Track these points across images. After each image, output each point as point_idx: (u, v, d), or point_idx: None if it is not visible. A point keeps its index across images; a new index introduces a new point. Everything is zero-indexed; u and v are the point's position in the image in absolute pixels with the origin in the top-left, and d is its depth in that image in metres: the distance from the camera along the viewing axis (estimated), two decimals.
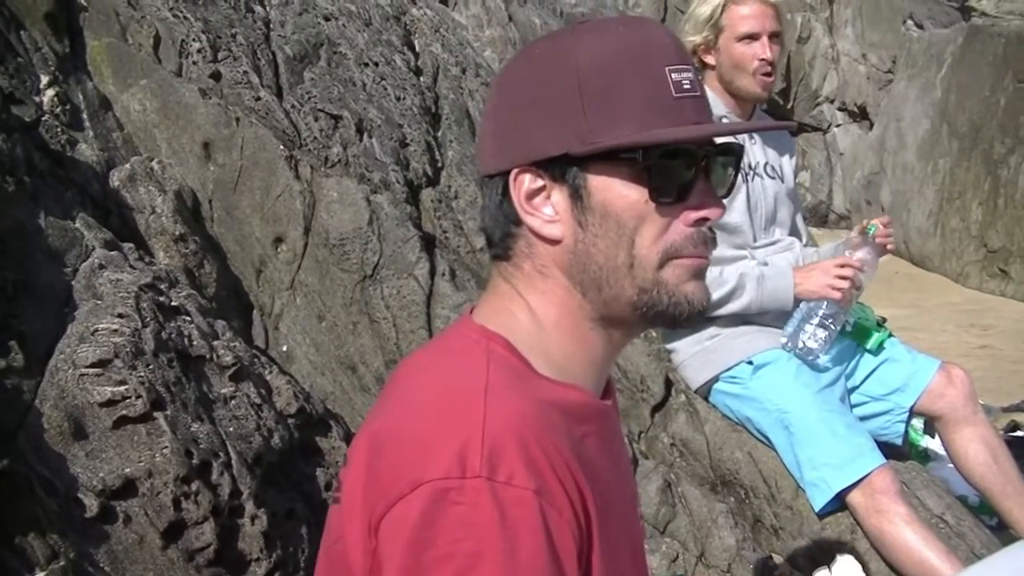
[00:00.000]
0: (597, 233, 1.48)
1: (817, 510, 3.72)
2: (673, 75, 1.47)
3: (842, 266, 3.80)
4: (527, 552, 1.30)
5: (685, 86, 1.48)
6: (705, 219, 1.50)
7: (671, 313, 1.51)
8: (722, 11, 3.92)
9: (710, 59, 3.98)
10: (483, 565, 1.29)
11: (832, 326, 3.81)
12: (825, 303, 3.79)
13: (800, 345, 3.80)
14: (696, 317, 1.54)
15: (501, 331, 1.51)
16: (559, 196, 1.50)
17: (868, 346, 4.06)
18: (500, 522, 1.30)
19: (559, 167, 1.48)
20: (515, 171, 1.50)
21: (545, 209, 1.51)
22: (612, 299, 1.51)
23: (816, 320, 3.80)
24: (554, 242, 1.51)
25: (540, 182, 1.50)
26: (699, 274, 1.52)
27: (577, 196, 1.48)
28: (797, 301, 3.85)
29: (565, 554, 1.34)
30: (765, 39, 3.90)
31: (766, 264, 3.88)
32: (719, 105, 3.91)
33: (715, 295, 3.65)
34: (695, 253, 1.50)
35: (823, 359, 3.82)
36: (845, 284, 3.78)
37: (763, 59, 3.88)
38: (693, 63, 1.54)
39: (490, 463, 1.32)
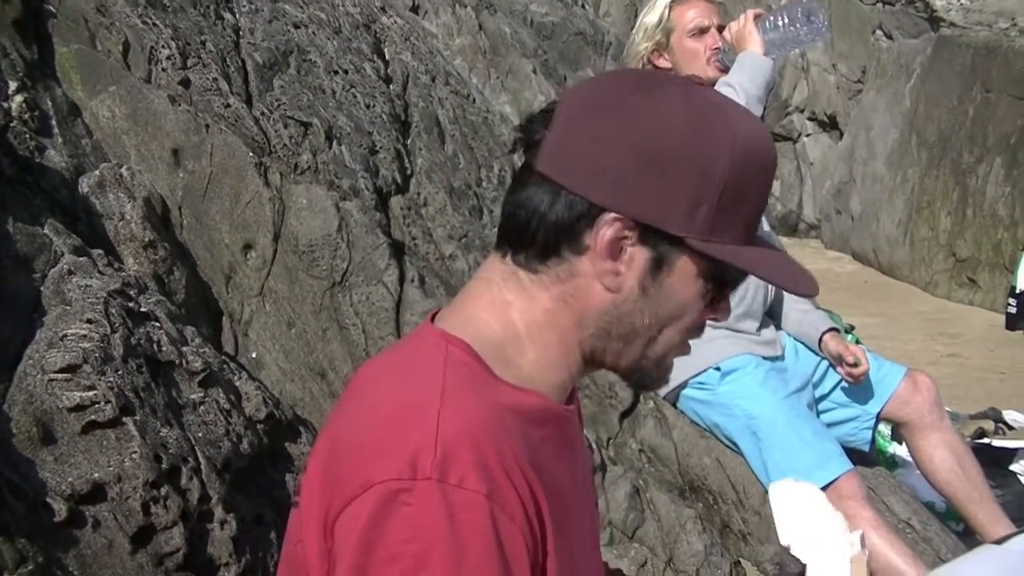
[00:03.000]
0: (651, 304, 1.48)
1: None
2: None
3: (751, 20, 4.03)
4: (475, 556, 1.30)
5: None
6: (715, 318, 1.57)
7: (647, 385, 1.62)
8: (669, 13, 4.10)
9: (663, 62, 4.13)
10: (429, 567, 1.29)
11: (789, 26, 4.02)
12: (773, 30, 4.01)
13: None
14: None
15: (463, 335, 1.49)
16: (639, 256, 1.46)
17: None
18: (448, 524, 1.30)
19: (656, 234, 1.46)
20: (612, 215, 1.45)
21: (620, 260, 1.48)
22: (614, 352, 1.53)
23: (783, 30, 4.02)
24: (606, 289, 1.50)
25: (628, 234, 1.46)
26: (683, 352, 1.59)
27: (657, 268, 1.47)
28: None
29: (515, 559, 1.34)
30: (714, 30, 4.08)
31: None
32: None
33: None
34: (688, 339, 1.57)
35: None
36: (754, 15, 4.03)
37: (715, 48, 4.05)
38: None
39: (442, 466, 1.32)
